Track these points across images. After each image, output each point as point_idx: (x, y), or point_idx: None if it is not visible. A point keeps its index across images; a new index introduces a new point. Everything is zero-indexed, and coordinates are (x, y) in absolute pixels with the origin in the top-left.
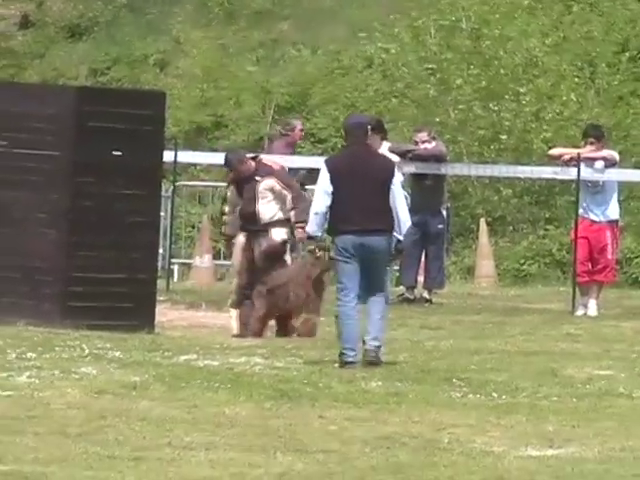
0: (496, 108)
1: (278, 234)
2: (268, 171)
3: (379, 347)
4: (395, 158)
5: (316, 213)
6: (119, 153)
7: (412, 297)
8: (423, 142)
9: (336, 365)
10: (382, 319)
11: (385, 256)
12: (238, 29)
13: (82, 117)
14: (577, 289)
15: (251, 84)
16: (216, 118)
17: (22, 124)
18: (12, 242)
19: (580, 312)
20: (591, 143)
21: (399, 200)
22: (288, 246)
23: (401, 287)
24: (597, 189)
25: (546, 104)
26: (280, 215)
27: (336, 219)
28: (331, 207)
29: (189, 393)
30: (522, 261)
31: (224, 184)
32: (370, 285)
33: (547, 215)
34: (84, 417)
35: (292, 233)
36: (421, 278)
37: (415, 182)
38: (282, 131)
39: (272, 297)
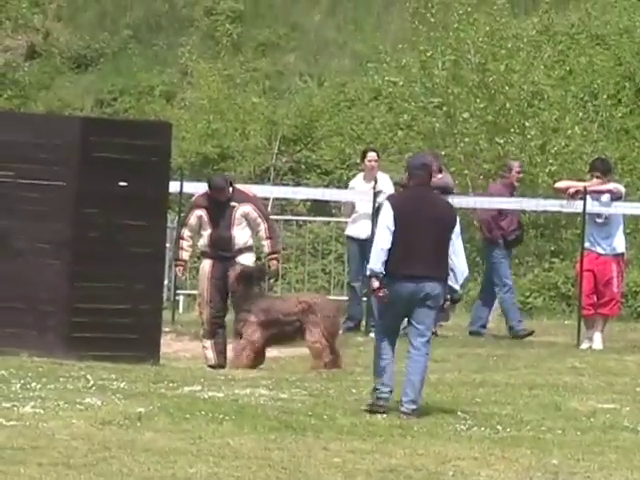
0: (502, 141)
1: (246, 259)
2: (244, 198)
3: (415, 410)
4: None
5: (382, 249)
6: (125, 184)
7: None
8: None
9: (369, 406)
10: (422, 380)
11: (436, 303)
12: (245, 61)
13: (88, 148)
14: (582, 322)
15: (257, 115)
16: (222, 149)
17: (28, 154)
18: (16, 272)
19: (585, 345)
20: (597, 177)
21: (458, 248)
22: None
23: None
24: (603, 222)
25: (551, 137)
26: (250, 242)
27: (393, 261)
28: (390, 247)
29: (193, 424)
30: (527, 294)
31: None
32: (415, 332)
33: (553, 248)
34: (88, 448)
35: (258, 259)
36: None
37: None
38: (501, 173)
39: (274, 328)
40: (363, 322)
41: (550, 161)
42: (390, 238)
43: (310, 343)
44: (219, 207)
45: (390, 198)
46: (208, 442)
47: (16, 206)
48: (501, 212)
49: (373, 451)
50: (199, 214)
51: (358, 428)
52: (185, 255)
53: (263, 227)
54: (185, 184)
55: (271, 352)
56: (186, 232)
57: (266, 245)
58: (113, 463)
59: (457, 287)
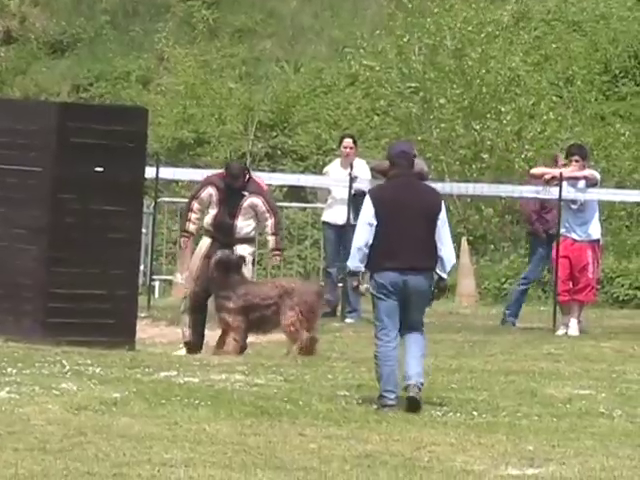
0: (478, 127)
1: (243, 250)
2: (257, 189)
3: (422, 384)
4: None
5: (359, 248)
6: (101, 169)
7: None
8: None
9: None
10: (423, 356)
11: (427, 294)
12: (221, 46)
13: (64, 133)
14: (558, 308)
15: (233, 101)
16: (198, 135)
17: (4, 140)
18: None
19: (561, 331)
20: (576, 161)
21: (445, 236)
22: (247, 260)
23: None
24: (578, 208)
25: (527, 123)
26: (253, 233)
27: (378, 254)
28: (373, 241)
29: (169, 410)
30: (503, 280)
31: None
32: (409, 323)
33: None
34: (64, 433)
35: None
36: None
37: None
38: (545, 164)
39: (253, 313)
40: (339, 308)
41: (526, 147)
42: (369, 235)
43: (285, 327)
44: (230, 192)
45: (371, 191)
46: (184, 427)
47: None
48: (545, 205)
49: (349, 437)
50: (211, 192)
51: (334, 414)
52: (192, 227)
53: (270, 222)
54: (161, 169)
55: (248, 338)
56: (196, 205)
57: (271, 241)
58: (89, 448)
59: (444, 275)
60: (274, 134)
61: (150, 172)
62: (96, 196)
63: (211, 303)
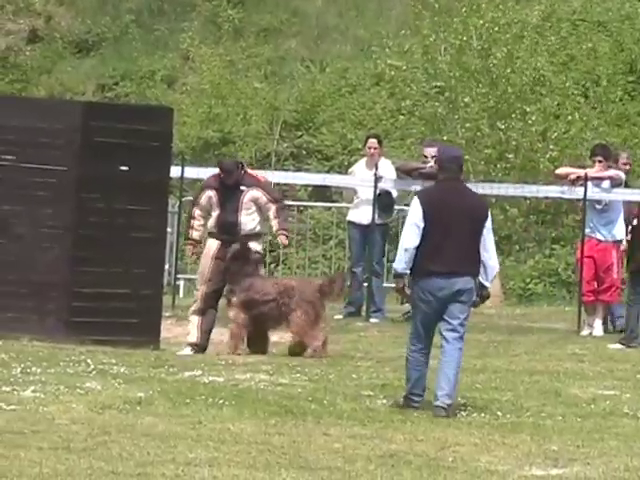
0: (503, 127)
1: (252, 246)
2: (254, 182)
3: (450, 405)
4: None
5: (406, 249)
6: (126, 168)
7: None
8: (432, 157)
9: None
10: (457, 374)
11: (469, 300)
12: (246, 46)
13: (89, 132)
14: (582, 308)
15: (259, 101)
16: (223, 134)
17: (29, 139)
18: (17, 257)
19: (585, 332)
20: (599, 162)
21: (490, 243)
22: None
23: (407, 305)
24: (603, 209)
25: (552, 123)
26: (259, 228)
27: (423, 256)
28: (419, 242)
29: (193, 409)
30: (528, 280)
31: None
32: (449, 329)
33: (553, 234)
34: (88, 432)
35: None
36: None
37: None
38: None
39: (251, 308)
40: (364, 308)
41: (551, 147)
42: (416, 237)
43: (290, 330)
44: (228, 190)
45: (420, 193)
46: (208, 427)
47: (17, 191)
48: None
49: (373, 436)
50: (209, 194)
51: (358, 413)
52: (196, 234)
53: (273, 209)
54: (186, 169)
55: (271, 337)
56: (197, 211)
57: (274, 224)
58: (113, 447)
59: (487, 283)
60: (299, 134)
61: (175, 171)
62: (121, 195)
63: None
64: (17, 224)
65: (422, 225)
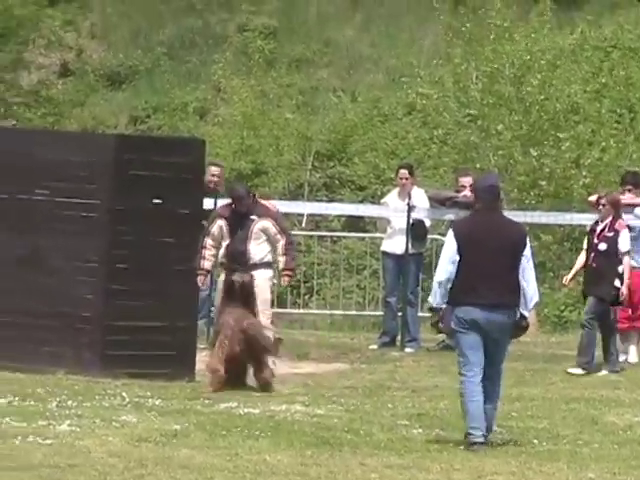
0: (536, 154)
1: (261, 275)
2: (265, 212)
3: (485, 437)
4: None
5: (440, 283)
6: (159, 201)
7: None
8: (465, 187)
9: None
10: (495, 409)
11: (508, 333)
12: (278, 76)
13: (122, 165)
14: (618, 336)
15: (291, 131)
16: (256, 165)
17: (62, 172)
18: (52, 290)
19: (621, 358)
20: (629, 190)
21: (529, 273)
22: (261, 284)
23: (441, 334)
24: (636, 235)
25: (586, 150)
26: (269, 257)
27: (460, 289)
28: (456, 275)
29: (230, 441)
30: (562, 308)
31: None
32: (488, 362)
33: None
34: (125, 465)
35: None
36: None
37: None
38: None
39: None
40: (398, 337)
41: (584, 174)
42: (451, 270)
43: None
44: (239, 219)
45: (455, 225)
46: (244, 458)
47: (51, 224)
48: None
49: (410, 466)
50: (220, 224)
51: (395, 443)
52: (207, 264)
53: (281, 243)
54: (219, 200)
55: (307, 368)
56: (208, 241)
57: (281, 261)
58: None
59: (526, 313)
60: (332, 164)
61: (208, 203)
62: (154, 228)
63: None
64: (51, 257)
65: (456, 259)
